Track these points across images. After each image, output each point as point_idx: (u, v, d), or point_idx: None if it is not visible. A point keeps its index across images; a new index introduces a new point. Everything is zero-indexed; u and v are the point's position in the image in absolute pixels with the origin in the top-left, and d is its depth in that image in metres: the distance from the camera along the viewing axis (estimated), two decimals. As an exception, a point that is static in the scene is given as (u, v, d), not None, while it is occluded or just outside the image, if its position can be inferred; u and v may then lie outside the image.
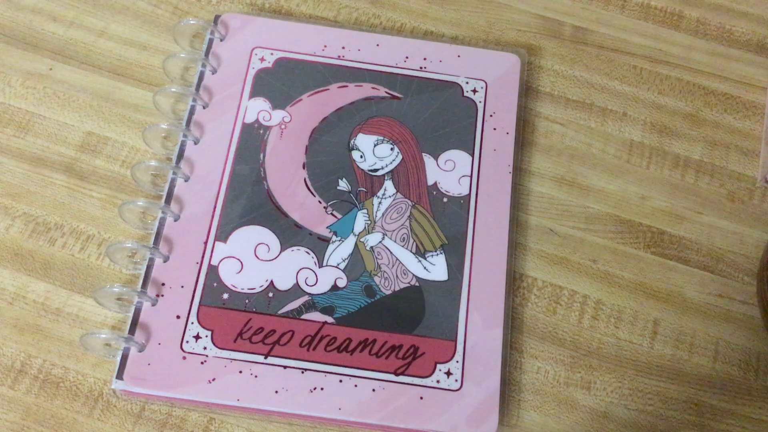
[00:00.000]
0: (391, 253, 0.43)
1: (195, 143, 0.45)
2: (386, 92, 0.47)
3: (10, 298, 0.41)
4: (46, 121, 0.46)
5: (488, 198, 0.44)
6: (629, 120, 0.49)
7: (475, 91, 0.47)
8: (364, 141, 0.46)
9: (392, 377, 0.40)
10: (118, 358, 0.39)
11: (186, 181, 0.44)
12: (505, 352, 0.41)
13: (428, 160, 0.45)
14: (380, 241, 0.43)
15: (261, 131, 0.45)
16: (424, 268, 0.42)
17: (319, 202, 0.44)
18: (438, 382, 0.40)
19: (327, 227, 0.43)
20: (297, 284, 0.42)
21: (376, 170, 0.45)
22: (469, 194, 0.45)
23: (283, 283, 0.41)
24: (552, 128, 0.48)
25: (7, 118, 0.46)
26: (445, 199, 0.44)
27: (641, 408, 0.41)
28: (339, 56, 0.48)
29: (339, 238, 0.43)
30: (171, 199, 0.43)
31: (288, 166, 0.45)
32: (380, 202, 0.44)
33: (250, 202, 0.43)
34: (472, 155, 0.46)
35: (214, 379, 0.39)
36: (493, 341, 0.41)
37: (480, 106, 0.47)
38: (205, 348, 0.40)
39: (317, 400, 0.39)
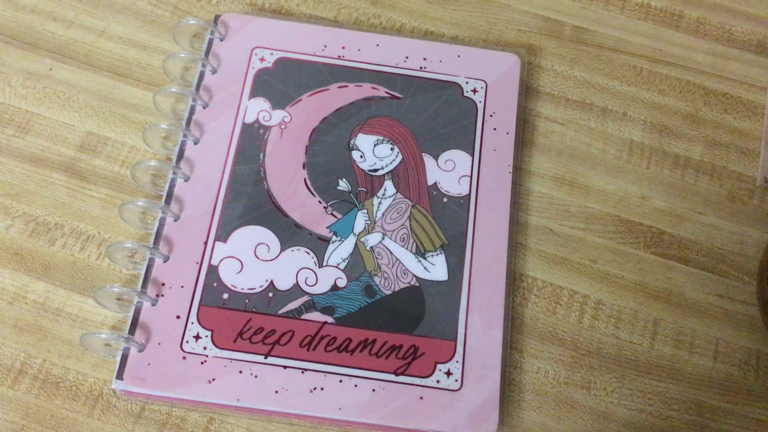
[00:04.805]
0: (391, 253, 0.43)
1: (195, 143, 0.45)
2: (386, 92, 0.47)
3: (10, 298, 0.41)
4: (46, 121, 0.46)
5: (488, 198, 0.44)
6: (629, 120, 0.49)
7: (475, 91, 0.47)
8: (364, 141, 0.46)
9: (392, 377, 0.40)
10: (118, 358, 0.39)
11: (186, 181, 0.44)
12: (505, 352, 0.41)
13: (428, 160, 0.45)
14: (380, 241, 0.43)
15: (261, 131, 0.45)
16: (424, 268, 0.42)
17: (319, 202, 0.44)
18: (438, 382, 0.40)
19: (327, 227, 0.43)
20: (297, 284, 0.42)
21: (376, 170, 0.45)
22: (469, 194, 0.45)
23: (283, 283, 0.42)
24: (552, 128, 0.48)
25: (7, 118, 0.46)
26: (445, 199, 0.44)
27: (641, 408, 0.41)
28: (339, 56, 0.48)
29: (339, 238, 0.43)
30: (171, 199, 0.43)
31: (288, 166, 0.45)
32: (380, 202, 0.44)
33: (250, 202, 0.43)
34: (472, 155, 0.46)
35: (214, 379, 0.39)
36: (493, 341, 0.41)
37: (480, 106, 0.47)
38: (205, 348, 0.40)
39: (317, 400, 0.39)
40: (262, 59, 0.48)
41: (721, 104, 0.50)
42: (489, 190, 0.45)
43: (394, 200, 0.44)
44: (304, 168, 0.45)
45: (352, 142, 0.46)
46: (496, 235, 0.43)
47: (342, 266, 0.42)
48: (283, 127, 0.46)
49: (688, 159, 0.48)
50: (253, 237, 0.43)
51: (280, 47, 0.48)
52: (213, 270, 0.42)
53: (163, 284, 0.41)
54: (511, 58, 0.49)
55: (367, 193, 0.44)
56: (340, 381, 0.39)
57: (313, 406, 0.39)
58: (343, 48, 0.48)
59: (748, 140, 0.49)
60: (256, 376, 0.39)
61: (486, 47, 0.49)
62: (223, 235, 0.42)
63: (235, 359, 0.39)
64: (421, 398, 0.39)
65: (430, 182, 0.45)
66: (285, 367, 0.39)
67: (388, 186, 0.45)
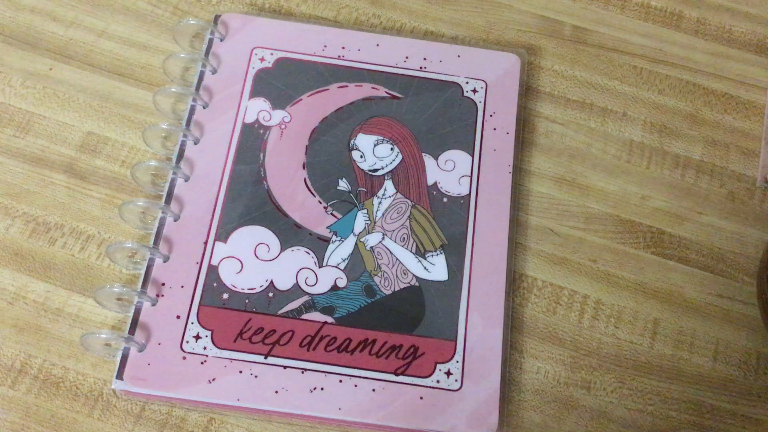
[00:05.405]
0: (391, 253, 0.43)
1: (195, 143, 0.45)
2: (386, 92, 0.47)
3: (10, 298, 0.41)
4: (46, 121, 0.46)
5: (488, 198, 0.44)
6: (629, 120, 0.49)
7: (475, 91, 0.47)
8: (364, 141, 0.46)
9: (392, 377, 0.40)
10: (118, 358, 0.39)
11: (186, 181, 0.44)
12: (505, 352, 0.41)
13: (428, 160, 0.45)
14: (380, 241, 0.43)
15: (261, 131, 0.45)
16: (424, 268, 0.42)
17: (319, 202, 0.44)
18: (438, 382, 0.40)
19: (327, 227, 0.43)
20: (297, 284, 0.42)
21: (376, 170, 0.45)
22: (469, 194, 0.45)
23: (283, 283, 0.42)
24: (552, 128, 0.48)
25: (7, 118, 0.46)
26: (445, 199, 0.44)
27: (641, 408, 0.41)
28: (339, 56, 0.48)
29: (339, 238, 0.43)
30: (171, 199, 0.43)
31: (288, 166, 0.45)
32: (380, 202, 0.44)
33: (250, 202, 0.43)
34: (472, 155, 0.46)
35: (214, 379, 0.39)
36: (493, 341, 0.41)
37: (480, 106, 0.47)
38: (205, 348, 0.40)
39: (317, 400, 0.39)
40: (262, 59, 0.48)
41: (721, 104, 0.50)
42: (489, 190, 0.45)
43: (394, 200, 0.44)
44: (304, 168, 0.45)
45: (352, 142, 0.46)
46: (496, 235, 0.43)
47: (342, 266, 0.42)
48: (283, 127, 0.46)
49: (688, 159, 0.48)
50: (253, 237, 0.43)
51: (280, 47, 0.48)
52: (213, 270, 0.42)
53: (163, 284, 0.41)
54: (511, 58, 0.49)
55: (367, 193, 0.44)
56: (340, 381, 0.39)
57: (313, 406, 0.39)
58: (343, 48, 0.48)
59: (748, 140, 0.49)
60: (256, 376, 0.39)
61: (486, 47, 0.49)
62: (223, 235, 0.42)
63: (235, 359, 0.39)
64: (421, 398, 0.39)
65: (430, 182, 0.45)
66: (285, 367, 0.39)
67: (388, 186, 0.45)
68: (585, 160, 0.47)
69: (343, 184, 0.44)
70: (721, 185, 0.47)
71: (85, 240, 0.43)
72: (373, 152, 0.45)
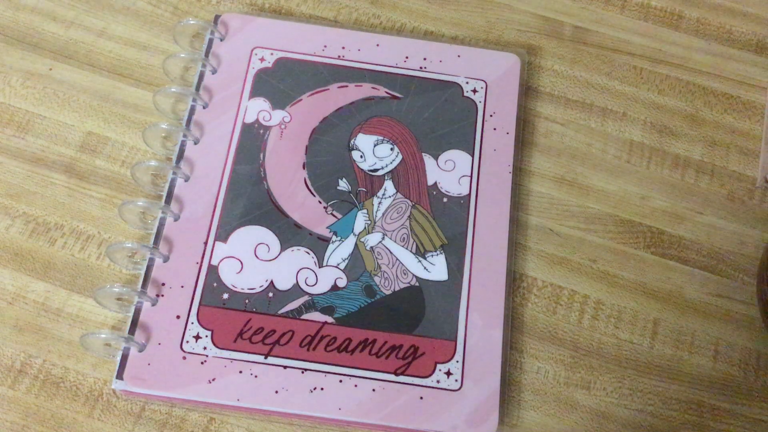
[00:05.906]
0: (391, 253, 0.43)
1: (195, 143, 0.45)
2: (386, 92, 0.47)
3: (10, 298, 0.41)
4: (46, 121, 0.46)
5: (488, 198, 0.44)
6: (629, 120, 0.49)
7: (475, 91, 0.47)
8: (364, 141, 0.46)
9: (392, 377, 0.40)
10: (118, 358, 0.39)
11: (186, 181, 0.44)
12: (505, 352, 0.41)
13: (428, 160, 0.45)
14: (380, 241, 0.43)
15: (261, 131, 0.45)
16: (424, 268, 0.42)
17: (319, 202, 0.44)
18: (438, 382, 0.40)
19: (327, 227, 0.43)
20: (297, 284, 0.42)
21: (376, 170, 0.45)
22: (469, 194, 0.45)
23: (283, 283, 0.42)
24: (552, 128, 0.48)
25: (7, 118, 0.46)
26: (445, 199, 0.44)
27: (641, 408, 0.41)
28: (339, 56, 0.48)
29: (339, 238, 0.43)
30: (171, 199, 0.43)
31: (288, 166, 0.45)
32: (380, 202, 0.44)
33: (250, 202, 0.43)
34: (472, 155, 0.46)
35: (214, 379, 0.39)
36: (493, 341, 0.41)
37: (480, 106, 0.47)
38: (205, 348, 0.40)
39: (317, 400, 0.39)
40: (262, 59, 0.48)
41: (721, 104, 0.50)
42: (489, 190, 0.45)
43: (394, 200, 0.44)
44: (304, 168, 0.45)
45: (352, 142, 0.46)
46: (496, 235, 0.43)
47: (342, 266, 0.42)
48: (283, 127, 0.46)
49: (688, 159, 0.48)
50: (253, 237, 0.43)
51: (280, 47, 0.48)
52: (213, 270, 0.42)
53: (163, 284, 0.41)
54: (511, 58, 0.49)
55: (367, 193, 0.44)
56: (340, 381, 0.39)
57: (313, 406, 0.39)
58: (343, 48, 0.48)
59: (748, 140, 0.49)
60: (256, 376, 0.39)
61: (486, 47, 0.49)
62: (223, 235, 0.42)
63: (235, 359, 0.39)
64: (421, 398, 0.39)
65: (430, 182, 0.45)
66: (285, 367, 0.39)
67: (388, 186, 0.45)
68: (585, 160, 0.47)
69: (343, 184, 0.44)
70: (721, 185, 0.47)
71: (85, 240, 0.43)
72: (373, 152, 0.45)
